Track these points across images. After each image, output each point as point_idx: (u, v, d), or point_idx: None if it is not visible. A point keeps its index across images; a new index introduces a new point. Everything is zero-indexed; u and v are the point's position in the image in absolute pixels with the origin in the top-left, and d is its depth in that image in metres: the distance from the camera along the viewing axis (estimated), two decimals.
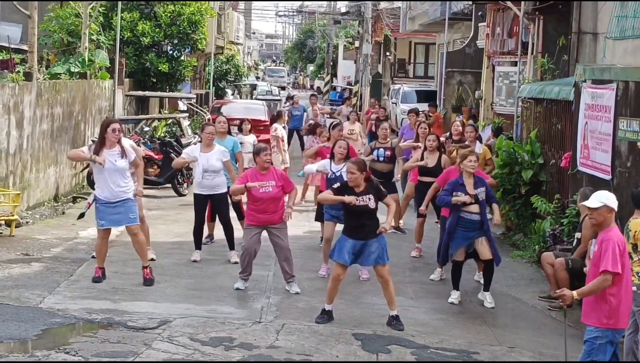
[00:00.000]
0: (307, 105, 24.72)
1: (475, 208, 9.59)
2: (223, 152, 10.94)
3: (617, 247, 6.36)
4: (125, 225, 9.76)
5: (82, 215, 10.33)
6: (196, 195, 11.03)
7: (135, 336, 7.75)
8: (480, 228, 9.64)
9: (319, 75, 68.97)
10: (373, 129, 19.13)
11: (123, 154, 9.52)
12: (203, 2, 24.01)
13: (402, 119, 30.95)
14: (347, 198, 8.44)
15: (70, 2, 19.06)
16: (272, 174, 9.67)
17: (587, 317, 6.56)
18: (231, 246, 11.07)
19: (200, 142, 11.62)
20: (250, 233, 9.64)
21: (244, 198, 10.17)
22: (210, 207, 11.27)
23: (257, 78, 63.51)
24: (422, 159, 12.02)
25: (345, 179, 9.40)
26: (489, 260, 9.71)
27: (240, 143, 12.61)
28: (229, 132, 12.19)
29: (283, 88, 31.01)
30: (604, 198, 6.56)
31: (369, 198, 8.50)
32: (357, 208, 8.46)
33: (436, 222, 13.31)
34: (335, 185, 8.78)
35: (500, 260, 9.90)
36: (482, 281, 10.10)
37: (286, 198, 9.67)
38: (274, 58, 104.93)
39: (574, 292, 6.37)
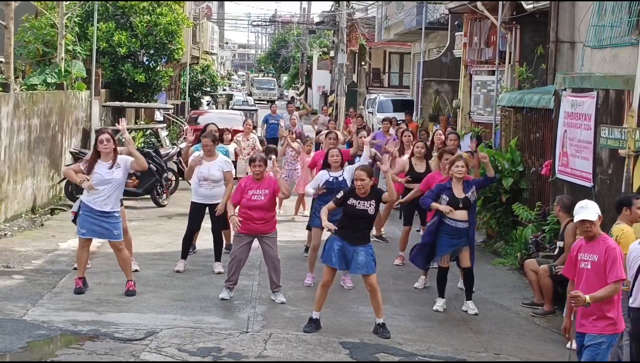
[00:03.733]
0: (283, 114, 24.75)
1: (462, 215, 9.59)
2: (225, 162, 10.86)
3: (621, 254, 6.44)
4: (108, 241, 9.64)
5: (74, 221, 10.24)
6: (193, 204, 10.93)
7: (122, 347, 7.69)
8: (466, 235, 9.67)
9: (293, 85, 68.93)
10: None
11: (114, 165, 9.33)
12: (179, 10, 23.90)
13: (379, 128, 31.13)
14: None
15: (46, 12, 18.90)
16: (268, 182, 9.55)
17: (588, 326, 6.52)
18: (217, 257, 11.01)
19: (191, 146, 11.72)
20: (240, 242, 9.57)
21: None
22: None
23: (245, 93, 61.45)
24: (409, 169, 12.01)
25: (347, 184, 9.46)
26: (468, 268, 9.77)
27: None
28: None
29: (272, 102, 28.50)
30: (596, 208, 6.57)
31: (370, 204, 8.51)
32: (355, 212, 8.47)
33: (417, 231, 13.36)
34: (339, 195, 8.70)
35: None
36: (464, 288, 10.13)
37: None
38: (262, 68, 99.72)
39: (587, 296, 6.34)
